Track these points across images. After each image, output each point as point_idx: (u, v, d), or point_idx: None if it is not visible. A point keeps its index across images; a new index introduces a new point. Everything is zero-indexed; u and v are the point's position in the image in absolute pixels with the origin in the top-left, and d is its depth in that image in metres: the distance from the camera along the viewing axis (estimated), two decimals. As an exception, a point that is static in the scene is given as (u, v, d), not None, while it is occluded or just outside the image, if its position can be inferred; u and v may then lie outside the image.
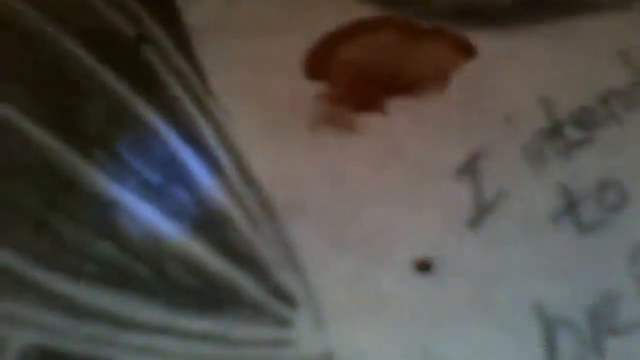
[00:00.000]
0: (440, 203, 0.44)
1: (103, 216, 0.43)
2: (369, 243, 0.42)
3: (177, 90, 0.50)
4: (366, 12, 0.54)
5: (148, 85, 0.50)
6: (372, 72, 0.51)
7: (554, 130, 0.48)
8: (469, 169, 0.45)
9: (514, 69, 0.50)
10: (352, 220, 0.43)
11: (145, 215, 0.43)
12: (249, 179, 0.45)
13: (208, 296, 0.40)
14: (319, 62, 0.51)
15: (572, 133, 0.48)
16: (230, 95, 0.50)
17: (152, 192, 0.44)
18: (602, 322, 0.42)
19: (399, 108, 0.49)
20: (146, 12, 0.55)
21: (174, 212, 0.43)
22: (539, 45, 0.52)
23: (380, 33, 0.52)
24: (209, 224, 0.43)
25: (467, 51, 0.51)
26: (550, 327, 0.42)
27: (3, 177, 0.45)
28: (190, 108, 0.49)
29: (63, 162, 0.46)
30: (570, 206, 0.45)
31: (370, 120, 0.48)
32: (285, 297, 0.40)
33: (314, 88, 0.50)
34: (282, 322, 0.39)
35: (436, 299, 0.41)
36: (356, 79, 0.50)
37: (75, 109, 0.49)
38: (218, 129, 0.48)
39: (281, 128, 0.48)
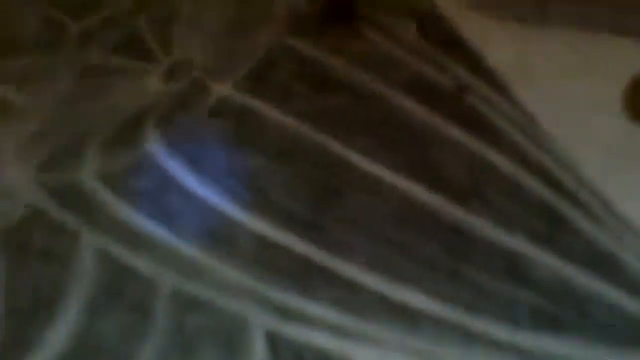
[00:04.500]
0: None
1: (511, 265, 0.46)
2: None
3: (516, 136, 0.53)
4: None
5: (486, 132, 0.53)
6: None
7: None
8: None
9: None
10: None
11: (546, 262, 0.46)
12: (622, 222, 0.48)
13: (627, 334, 0.43)
14: (638, 104, 0.54)
15: None
16: (564, 138, 0.53)
17: (540, 241, 0.47)
18: None
19: None
20: (452, 61, 0.58)
21: (566, 256, 0.46)
22: None
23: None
24: (603, 267, 0.46)
25: None
26: None
27: (394, 226, 0.48)
28: (539, 154, 0.52)
29: (442, 212, 0.48)
30: None
31: None
32: None
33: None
34: None
35: None
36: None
37: (434, 160, 0.51)
38: (573, 174, 0.51)
39: (627, 169, 0.51)
